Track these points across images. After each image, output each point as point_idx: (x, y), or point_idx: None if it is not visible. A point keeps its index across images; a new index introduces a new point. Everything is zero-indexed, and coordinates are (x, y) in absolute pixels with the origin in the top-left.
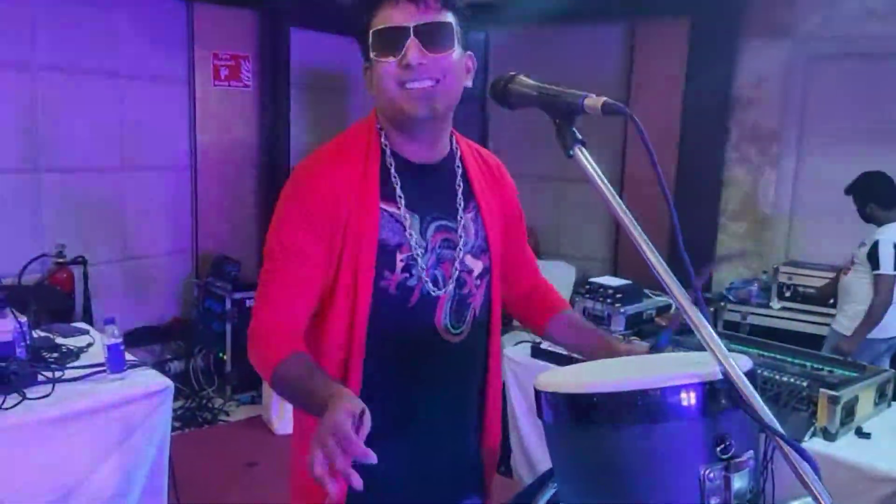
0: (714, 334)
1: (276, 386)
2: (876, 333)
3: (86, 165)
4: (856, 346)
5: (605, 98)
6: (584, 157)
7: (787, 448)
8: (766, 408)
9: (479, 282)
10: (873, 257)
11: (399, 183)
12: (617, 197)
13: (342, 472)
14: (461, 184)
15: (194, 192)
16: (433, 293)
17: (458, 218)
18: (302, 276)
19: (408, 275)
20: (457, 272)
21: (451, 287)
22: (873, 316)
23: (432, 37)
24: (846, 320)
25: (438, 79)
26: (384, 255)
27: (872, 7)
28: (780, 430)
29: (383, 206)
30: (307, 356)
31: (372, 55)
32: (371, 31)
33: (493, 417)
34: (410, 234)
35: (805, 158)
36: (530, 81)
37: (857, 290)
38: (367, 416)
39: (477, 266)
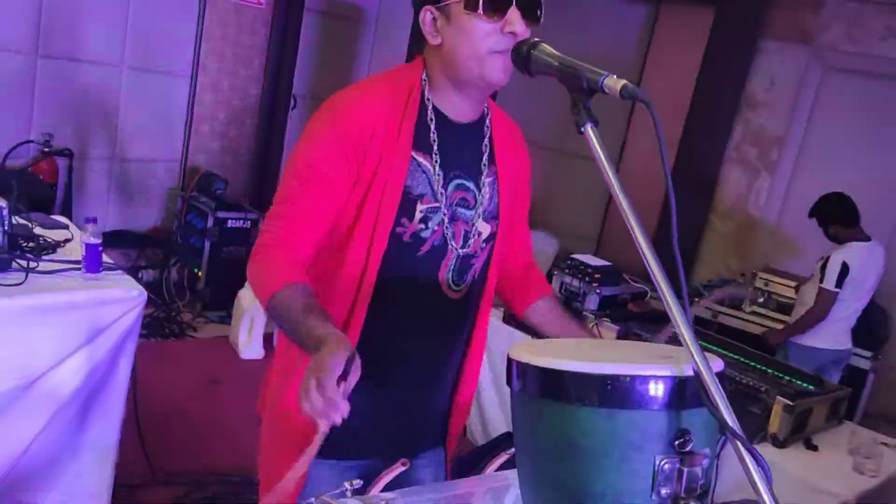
0: (692, 332)
1: (272, 312)
2: (822, 343)
3: (86, 58)
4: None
5: (625, 81)
6: (593, 135)
7: (744, 452)
8: (731, 410)
9: (484, 245)
10: (823, 271)
11: (436, 138)
12: (619, 180)
13: (326, 415)
14: (488, 144)
15: (191, 103)
16: (442, 248)
17: (481, 179)
18: (323, 203)
19: (423, 226)
20: (466, 232)
21: (459, 245)
22: (803, 322)
23: (531, 9)
24: None
25: None
26: (405, 203)
27: None
28: (742, 434)
29: (414, 154)
30: (307, 288)
31: (468, 11)
32: None
33: (471, 375)
34: (433, 187)
35: (803, 168)
36: (553, 51)
37: (809, 300)
38: (357, 364)
39: (485, 230)
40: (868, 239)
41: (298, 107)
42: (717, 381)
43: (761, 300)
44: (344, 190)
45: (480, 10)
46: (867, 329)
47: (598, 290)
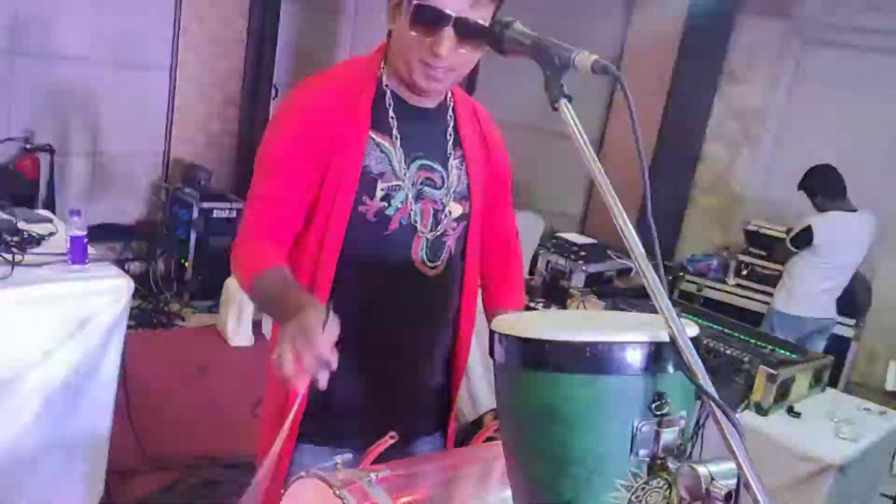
0: (667, 299)
1: (253, 293)
2: (802, 311)
3: (64, 53)
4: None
5: (595, 56)
6: (568, 112)
7: (717, 411)
8: (705, 373)
9: (455, 224)
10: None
11: (395, 119)
12: (595, 156)
13: (308, 368)
14: (452, 132)
15: (171, 95)
16: (411, 226)
17: (447, 162)
18: (291, 191)
19: (386, 204)
20: (435, 211)
21: (427, 224)
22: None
23: (468, 34)
24: (780, 296)
25: (456, 69)
26: (365, 181)
27: (876, 1)
28: (714, 394)
29: (372, 134)
30: (286, 269)
31: (405, 22)
32: (412, 2)
33: (462, 355)
34: (394, 166)
35: (784, 142)
36: (526, 30)
37: (791, 267)
38: (336, 326)
39: (456, 210)
40: (854, 210)
41: (280, 97)
42: (691, 345)
43: (745, 273)
44: (309, 176)
45: (412, 24)
46: (850, 297)
47: (584, 268)
